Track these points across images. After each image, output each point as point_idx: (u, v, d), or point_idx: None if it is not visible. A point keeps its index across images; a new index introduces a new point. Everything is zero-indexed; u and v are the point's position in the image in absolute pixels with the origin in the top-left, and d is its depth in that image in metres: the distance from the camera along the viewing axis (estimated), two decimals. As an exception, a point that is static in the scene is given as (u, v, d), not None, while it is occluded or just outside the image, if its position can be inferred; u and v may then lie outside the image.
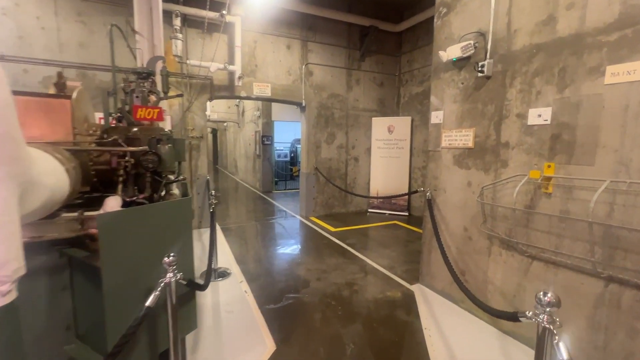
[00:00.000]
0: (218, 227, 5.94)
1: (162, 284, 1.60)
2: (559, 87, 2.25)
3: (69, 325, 1.85)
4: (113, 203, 1.78)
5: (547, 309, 1.27)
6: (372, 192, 7.34)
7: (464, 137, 3.01)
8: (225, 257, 4.44)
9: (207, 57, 5.38)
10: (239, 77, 5.63)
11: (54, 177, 1.45)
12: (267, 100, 7.11)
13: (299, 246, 5.08)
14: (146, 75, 2.54)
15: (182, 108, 5.41)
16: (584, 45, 2.11)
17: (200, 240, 5.09)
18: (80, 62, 4.62)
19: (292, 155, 13.47)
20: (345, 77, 6.94)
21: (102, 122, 2.57)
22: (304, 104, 6.55)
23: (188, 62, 5.24)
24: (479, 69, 2.74)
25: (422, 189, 3.60)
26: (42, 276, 1.73)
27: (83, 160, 1.82)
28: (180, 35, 4.91)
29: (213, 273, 3.75)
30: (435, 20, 3.31)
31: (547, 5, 2.31)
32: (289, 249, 4.93)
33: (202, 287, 2.14)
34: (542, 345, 1.29)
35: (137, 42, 3.32)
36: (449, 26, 3.14)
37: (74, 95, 1.91)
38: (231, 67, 5.51)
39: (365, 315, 2.99)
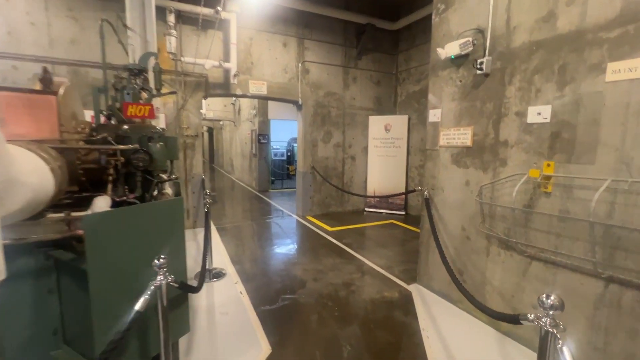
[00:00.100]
0: (214, 227, 5.87)
1: (152, 287, 1.54)
2: (559, 85, 2.22)
3: (56, 329, 1.79)
4: (101, 203, 1.72)
5: (551, 312, 1.23)
6: (369, 191, 7.30)
7: (462, 136, 2.97)
8: (221, 257, 4.37)
9: (202, 55, 5.30)
10: (235, 75, 5.55)
11: (37, 176, 1.39)
12: (263, 99, 7.05)
13: (296, 246, 5.03)
14: (138, 71, 2.47)
15: (176, 106, 5.33)
16: (584, 42, 2.07)
17: (195, 240, 5.02)
18: (71, 59, 4.52)
19: (289, 154, 13.41)
20: (342, 75, 6.89)
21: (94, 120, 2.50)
22: (300, 102, 6.49)
23: (182, 59, 5.15)
24: (478, 66, 2.70)
25: (419, 188, 3.57)
26: (27, 279, 1.67)
27: (70, 158, 1.76)
28: (174, 32, 4.84)
29: (208, 274, 3.70)
30: (433, 17, 3.27)
31: (547, 2, 2.27)
32: (285, 248, 4.88)
33: (195, 289, 2.08)
34: (544, 349, 1.25)
35: (129, 38, 3.24)
36: (447, 23, 3.10)
37: (61, 91, 1.84)
38: (226, 65, 5.44)
39: (363, 316, 2.95)
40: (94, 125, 2.11)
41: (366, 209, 7.39)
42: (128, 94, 2.24)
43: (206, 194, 3.81)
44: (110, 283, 1.55)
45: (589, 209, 1.99)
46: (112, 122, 2.31)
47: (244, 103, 12.18)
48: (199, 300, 3.15)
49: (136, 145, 1.97)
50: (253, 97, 6.26)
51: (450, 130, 3.09)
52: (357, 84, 7.08)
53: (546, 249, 2.32)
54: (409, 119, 7.02)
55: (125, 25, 3.26)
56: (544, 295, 1.26)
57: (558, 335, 1.20)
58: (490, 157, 2.73)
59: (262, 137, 10.48)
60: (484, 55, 2.70)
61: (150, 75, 3.16)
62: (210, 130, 22.69)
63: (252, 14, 5.79)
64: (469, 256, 2.95)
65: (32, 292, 1.69)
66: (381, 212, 7.19)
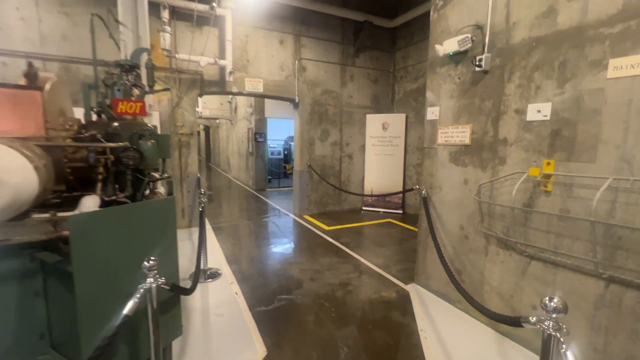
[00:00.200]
0: (210, 227, 5.81)
1: (141, 290, 1.48)
2: (559, 82, 2.18)
3: (42, 333, 1.73)
4: (89, 203, 1.66)
5: (554, 315, 1.19)
6: (367, 190, 7.26)
7: (461, 134, 2.93)
8: (216, 257, 4.32)
9: (197, 51, 5.22)
10: (230, 72, 5.47)
11: (19, 175, 1.33)
12: (260, 96, 6.98)
13: (292, 245, 4.98)
14: (130, 67, 2.41)
15: (171, 103, 5.25)
16: (585, 37, 2.03)
17: (190, 240, 4.96)
18: (63, 55, 4.43)
19: (286, 152, 13.35)
20: (339, 73, 6.83)
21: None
22: (297, 100, 6.43)
23: (177, 56, 5.07)
24: (477, 63, 2.65)
25: (417, 186, 3.53)
26: (12, 282, 1.61)
27: (56, 156, 1.70)
28: (168, 28, 4.75)
29: (203, 274, 3.64)
30: (431, 13, 3.22)
31: (547, -3, 2.23)
32: (281, 248, 4.82)
33: (188, 291, 2.02)
34: (547, 353, 1.21)
35: (121, 34, 3.16)
36: (445, 19, 3.05)
37: (47, 87, 1.77)
38: (222, 62, 5.36)
39: (360, 317, 2.91)
40: (83, 123, 2.05)
41: (363, 208, 7.35)
42: (119, 90, 2.17)
43: (201, 193, 3.75)
44: (98, 286, 1.49)
45: (589, 208, 1.96)
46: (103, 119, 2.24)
47: (241, 101, 12.09)
48: (194, 301, 3.09)
49: (126, 143, 1.91)
50: (249, 95, 6.19)
51: (449, 128, 3.05)
52: (354, 82, 7.03)
53: (546, 248, 2.28)
54: (407, 117, 6.98)
55: (117, 21, 3.19)
56: (547, 298, 1.22)
57: (562, 339, 1.16)
58: (489, 155, 2.69)
59: (258, 136, 10.41)
60: (482, 52, 2.65)
61: (143, 72, 3.10)
62: (207, 129, 22.56)
63: (248, 11, 5.72)
64: (467, 256, 2.92)
65: (18, 295, 1.63)
66: (378, 211, 7.16)
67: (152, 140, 2.06)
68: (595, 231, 1.98)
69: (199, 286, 3.41)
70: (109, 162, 1.88)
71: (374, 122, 7.13)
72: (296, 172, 6.90)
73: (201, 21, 5.20)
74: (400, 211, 7.07)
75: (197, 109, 5.78)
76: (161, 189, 2.45)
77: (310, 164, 6.71)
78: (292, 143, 9.72)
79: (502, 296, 2.62)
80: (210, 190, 10.28)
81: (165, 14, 4.73)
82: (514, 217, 2.48)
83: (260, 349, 2.43)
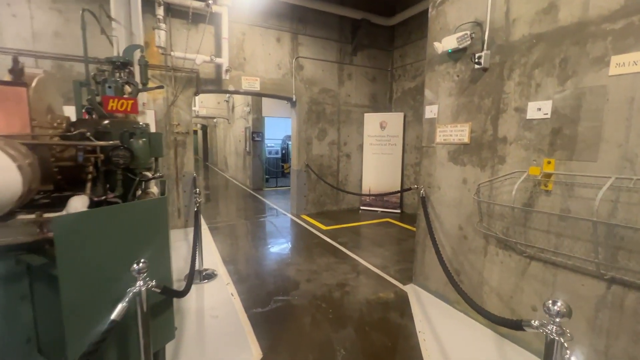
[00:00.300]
0: (206, 226, 5.75)
1: (130, 294, 1.43)
2: (560, 79, 2.14)
3: (29, 338, 1.67)
4: (77, 203, 1.60)
5: (557, 319, 1.15)
6: (364, 189, 7.22)
7: (460, 133, 2.89)
8: (212, 257, 4.26)
9: (193, 49, 5.16)
10: (227, 71, 5.41)
11: (1, 174, 1.27)
12: (256, 95, 6.91)
13: (289, 245, 4.93)
14: (122, 64, 2.35)
15: (166, 102, 5.18)
16: (587, 34, 2.00)
17: (186, 240, 4.90)
18: (55, 53, 4.36)
19: (284, 152, 13.28)
20: (337, 72, 6.78)
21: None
22: (294, 99, 6.37)
23: (172, 54, 5.00)
24: (476, 60, 2.61)
25: (415, 186, 3.49)
26: (-3, 285, 1.55)
27: (43, 155, 1.64)
28: (163, 26, 4.68)
29: (198, 275, 3.58)
30: (429, 10, 3.17)
31: (548, -7, 2.19)
32: (278, 248, 4.77)
33: (181, 294, 1.97)
34: (550, 358, 1.17)
35: (114, 30, 3.10)
36: (444, 16, 3.01)
37: (34, 83, 1.71)
38: (218, 60, 5.29)
39: (357, 318, 2.87)
40: (72, 120, 1.99)
41: (361, 208, 7.31)
42: (109, 87, 2.12)
43: (196, 192, 3.69)
44: (85, 290, 1.44)
45: (591, 208, 1.92)
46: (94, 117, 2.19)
47: (238, 100, 12.01)
48: (189, 303, 3.04)
49: (116, 142, 1.86)
50: (246, 93, 6.12)
51: (447, 127, 3.01)
52: (352, 81, 6.98)
53: (546, 248, 2.25)
54: (405, 116, 6.94)
55: (109, 17, 3.12)
56: (550, 301, 1.17)
57: (565, 345, 1.12)
58: (488, 154, 2.65)
59: (256, 135, 10.34)
60: (482, 49, 2.61)
61: (136, 69, 3.04)
62: (204, 128, 22.45)
63: (245, 8, 5.65)
64: (466, 256, 2.88)
65: (3, 298, 1.57)
66: (376, 211, 7.12)
67: (144, 139, 2.00)
68: (597, 231, 1.95)
69: (194, 287, 3.35)
70: (98, 161, 1.82)
71: (371, 121, 7.08)
72: (294, 172, 6.85)
73: (197, 18, 5.13)
74: (398, 211, 7.04)
75: (193, 108, 5.72)
76: (154, 188, 2.39)
77: (308, 163, 6.66)
78: (290, 142, 9.67)
79: (501, 297, 2.59)
80: (207, 190, 10.21)
81: (160, 11, 4.66)
82: (514, 217, 2.45)
83: (256, 352, 2.38)
